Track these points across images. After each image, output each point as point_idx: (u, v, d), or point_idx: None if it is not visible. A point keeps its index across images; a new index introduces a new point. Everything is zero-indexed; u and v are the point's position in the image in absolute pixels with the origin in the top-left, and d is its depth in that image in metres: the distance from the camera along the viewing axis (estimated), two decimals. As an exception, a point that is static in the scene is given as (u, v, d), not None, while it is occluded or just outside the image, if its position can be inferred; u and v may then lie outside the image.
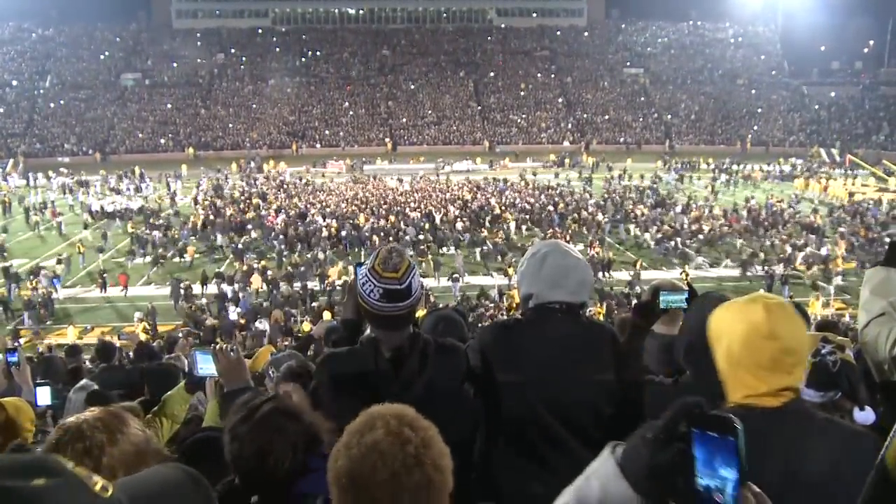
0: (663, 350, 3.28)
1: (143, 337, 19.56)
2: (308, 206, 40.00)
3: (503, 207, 38.24)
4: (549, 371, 2.75)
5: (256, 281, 27.64)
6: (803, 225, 34.77)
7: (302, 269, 28.80)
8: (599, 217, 36.48)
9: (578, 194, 43.69)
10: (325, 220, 35.72)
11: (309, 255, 30.79)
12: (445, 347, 2.87)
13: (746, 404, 1.80)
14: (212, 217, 37.50)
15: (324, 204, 40.55)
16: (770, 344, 1.77)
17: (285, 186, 47.91)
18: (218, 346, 2.74)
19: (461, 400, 2.77)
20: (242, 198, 43.38)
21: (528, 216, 36.69)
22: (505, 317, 17.13)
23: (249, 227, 35.39)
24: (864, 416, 2.09)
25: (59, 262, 29.51)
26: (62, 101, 74.22)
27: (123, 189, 48.63)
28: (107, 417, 1.97)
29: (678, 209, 38.71)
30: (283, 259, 30.31)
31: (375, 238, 31.81)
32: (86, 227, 36.99)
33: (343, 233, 33.66)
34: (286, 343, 14.69)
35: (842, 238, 31.27)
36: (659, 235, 32.78)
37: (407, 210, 37.82)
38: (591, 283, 3.06)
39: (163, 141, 69.54)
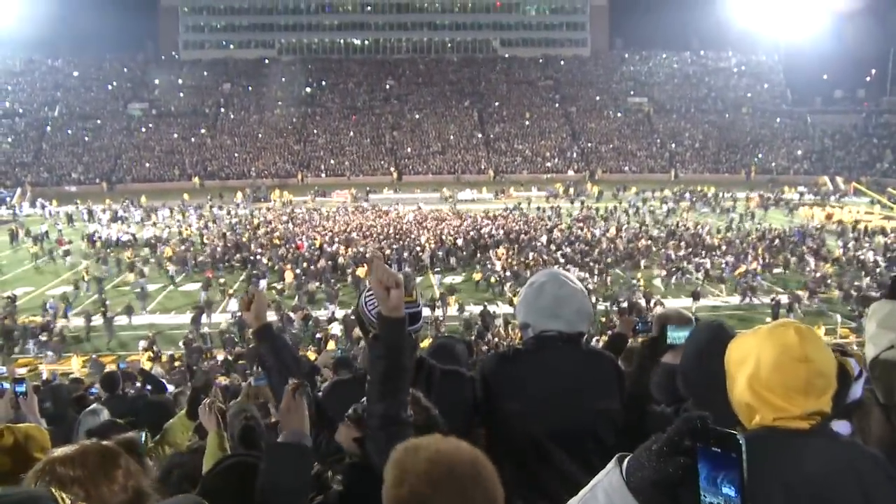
0: (667, 378, 3.28)
1: (147, 365, 19.55)
2: (316, 234, 40.45)
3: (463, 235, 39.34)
4: (549, 400, 2.75)
5: (289, 276, 30.95)
6: (707, 244, 37.23)
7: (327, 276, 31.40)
8: (543, 239, 38.02)
9: (524, 219, 45.47)
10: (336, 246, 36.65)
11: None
12: (450, 374, 2.88)
13: (775, 426, 1.80)
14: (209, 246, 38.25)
15: (332, 232, 40.92)
16: (803, 367, 1.78)
17: (293, 216, 48.16)
18: (293, 382, 2.64)
19: (464, 426, 2.78)
20: (248, 227, 43.73)
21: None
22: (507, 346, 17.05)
23: (259, 254, 35.62)
24: (841, 427, 2.10)
25: (68, 293, 29.50)
26: (70, 131, 74.86)
27: (124, 217, 49.02)
28: (77, 456, 1.94)
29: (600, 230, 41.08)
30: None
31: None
32: (85, 256, 37.40)
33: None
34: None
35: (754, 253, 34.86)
36: (567, 250, 35.08)
37: (406, 240, 38.57)
38: (590, 313, 3.05)
39: (169, 170, 69.89)
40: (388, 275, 2.22)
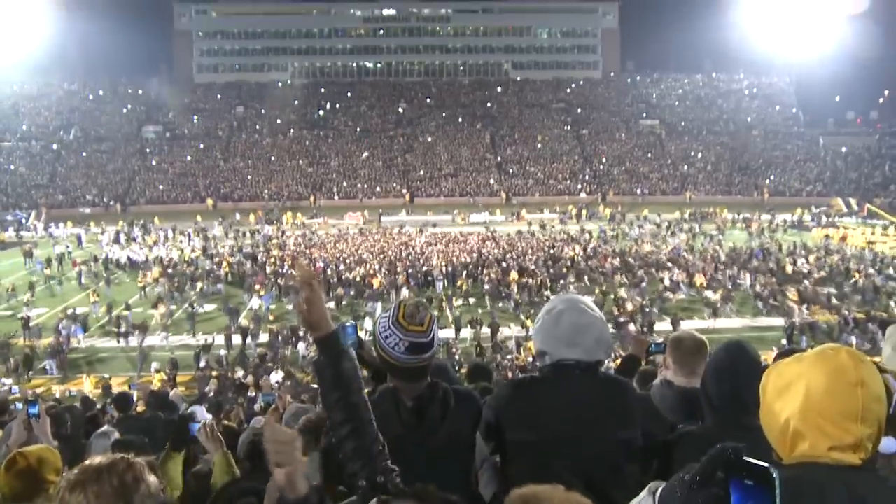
0: (683, 402, 3.26)
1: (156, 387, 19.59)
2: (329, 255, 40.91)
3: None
4: (567, 430, 2.70)
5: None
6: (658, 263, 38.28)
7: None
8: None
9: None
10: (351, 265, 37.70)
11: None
12: (463, 396, 2.87)
13: (820, 460, 1.70)
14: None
15: (344, 254, 41.20)
16: (860, 392, 1.68)
17: (308, 238, 48.49)
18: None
19: (471, 449, 2.77)
20: (263, 249, 44.06)
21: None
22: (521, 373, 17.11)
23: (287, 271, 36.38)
24: (887, 443, 2.01)
25: (74, 316, 29.47)
26: (85, 154, 75.51)
27: (125, 239, 49.48)
28: (104, 470, 1.97)
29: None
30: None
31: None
32: (96, 277, 37.71)
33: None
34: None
35: (702, 272, 35.30)
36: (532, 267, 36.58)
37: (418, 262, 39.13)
38: (609, 341, 2.99)
39: (182, 192, 70.33)
40: (279, 449, 1.88)
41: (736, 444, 1.23)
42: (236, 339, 26.95)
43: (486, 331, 27.25)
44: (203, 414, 9.31)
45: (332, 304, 30.25)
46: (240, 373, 22.49)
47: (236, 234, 50.83)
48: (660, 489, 1.34)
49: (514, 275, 35.01)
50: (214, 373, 22.64)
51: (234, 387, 19.91)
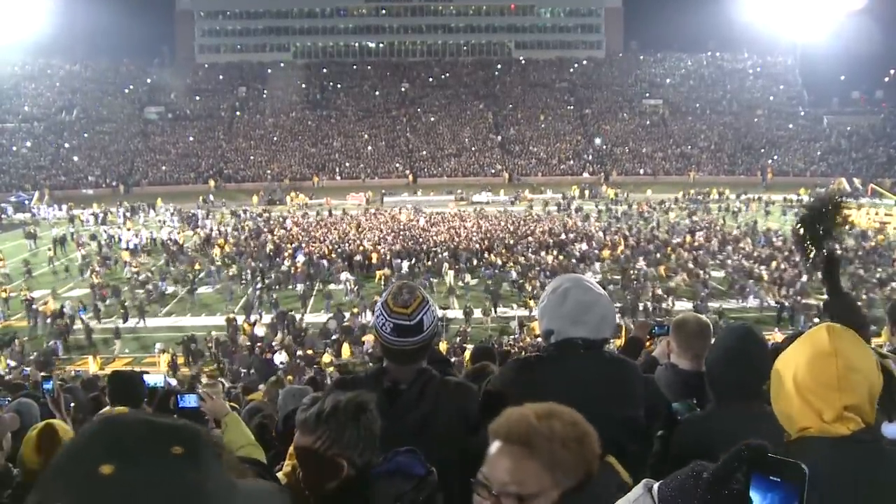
0: (687, 385, 3.26)
1: (163, 368, 19.68)
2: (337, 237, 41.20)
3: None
4: (569, 407, 2.70)
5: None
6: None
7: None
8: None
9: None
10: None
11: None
12: (453, 386, 2.81)
13: (815, 435, 1.71)
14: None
15: (347, 235, 41.46)
16: (833, 360, 1.70)
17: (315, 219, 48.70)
18: None
19: (463, 441, 2.62)
20: (264, 230, 44.12)
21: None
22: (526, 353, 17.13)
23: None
24: (893, 429, 1.98)
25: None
26: (87, 135, 75.40)
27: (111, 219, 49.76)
28: None
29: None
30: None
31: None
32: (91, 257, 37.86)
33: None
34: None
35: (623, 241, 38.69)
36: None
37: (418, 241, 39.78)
38: (614, 319, 2.99)
39: (185, 173, 70.31)
40: None
41: (761, 441, 1.20)
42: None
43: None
44: (158, 379, 9.20)
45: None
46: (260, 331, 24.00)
47: (229, 215, 50.93)
48: (656, 486, 1.34)
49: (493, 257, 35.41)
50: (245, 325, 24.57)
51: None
